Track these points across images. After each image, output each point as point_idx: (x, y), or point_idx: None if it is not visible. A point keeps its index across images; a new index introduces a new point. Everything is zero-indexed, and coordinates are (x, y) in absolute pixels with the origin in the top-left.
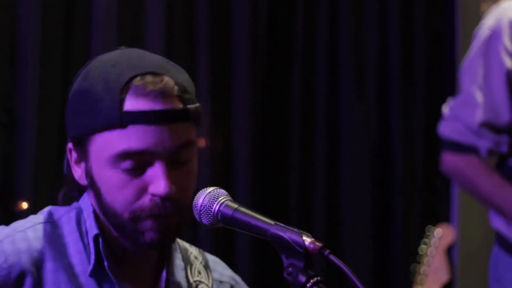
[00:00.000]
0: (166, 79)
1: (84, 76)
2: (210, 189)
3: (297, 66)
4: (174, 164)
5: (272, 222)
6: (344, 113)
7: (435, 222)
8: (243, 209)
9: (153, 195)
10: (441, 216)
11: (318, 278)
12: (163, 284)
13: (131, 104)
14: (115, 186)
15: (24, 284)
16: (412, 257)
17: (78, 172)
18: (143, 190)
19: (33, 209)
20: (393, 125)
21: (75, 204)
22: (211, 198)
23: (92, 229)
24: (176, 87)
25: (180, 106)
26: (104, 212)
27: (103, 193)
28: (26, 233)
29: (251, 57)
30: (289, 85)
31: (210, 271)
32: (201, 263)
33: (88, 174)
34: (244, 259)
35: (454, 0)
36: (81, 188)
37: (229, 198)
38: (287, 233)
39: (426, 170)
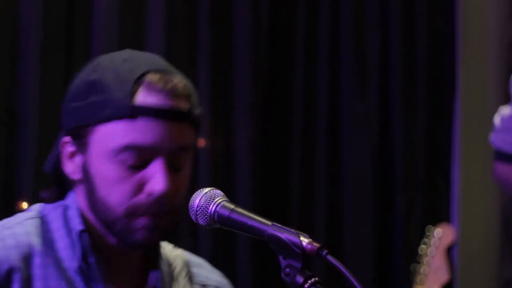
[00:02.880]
0: (177, 79)
1: (92, 69)
2: (206, 189)
3: (298, 66)
4: (172, 167)
5: (269, 223)
6: (345, 112)
7: (436, 222)
8: (240, 210)
9: (150, 193)
10: (442, 216)
11: (316, 278)
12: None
13: (143, 97)
14: (113, 180)
15: (12, 280)
16: (413, 257)
17: (70, 167)
18: (140, 187)
19: None
20: (394, 125)
21: (61, 202)
22: (208, 199)
23: (76, 225)
24: (185, 89)
25: (188, 107)
26: (95, 207)
27: (97, 187)
28: (14, 229)
29: (252, 57)
30: (290, 85)
31: (192, 276)
32: (185, 277)
33: (84, 167)
34: (244, 259)
35: (455, 0)
36: (64, 187)
37: (226, 198)
38: (285, 234)
39: (427, 170)
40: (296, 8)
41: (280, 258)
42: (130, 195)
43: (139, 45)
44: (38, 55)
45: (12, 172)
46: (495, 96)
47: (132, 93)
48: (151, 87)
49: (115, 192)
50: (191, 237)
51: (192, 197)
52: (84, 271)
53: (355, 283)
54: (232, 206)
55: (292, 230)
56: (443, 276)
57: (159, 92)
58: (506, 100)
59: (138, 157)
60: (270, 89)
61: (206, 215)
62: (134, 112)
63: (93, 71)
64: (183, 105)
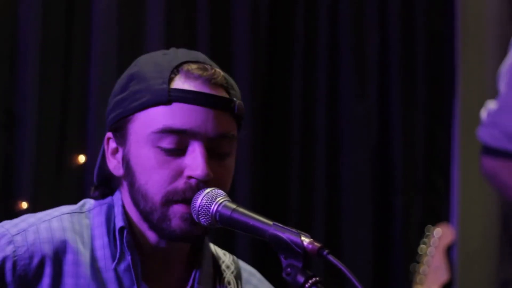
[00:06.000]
0: (216, 70)
1: (133, 64)
2: (208, 189)
3: (297, 66)
4: (213, 154)
5: (271, 223)
6: (344, 112)
7: (436, 222)
8: (241, 210)
9: (189, 177)
10: (441, 215)
11: (317, 278)
12: None
13: (179, 84)
14: (152, 166)
15: (43, 273)
16: (413, 257)
17: (113, 163)
18: (179, 172)
19: (33, 209)
20: (394, 125)
21: (108, 199)
22: (209, 199)
23: (118, 222)
24: (223, 79)
25: (226, 95)
26: (135, 199)
27: (138, 175)
28: (50, 223)
29: (252, 57)
30: (290, 85)
31: (241, 283)
32: (232, 273)
33: (125, 159)
34: (244, 259)
35: (454, 0)
36: (111, 187)
37: (227, 198)
38: (286, 234)
39: (427, 170)
40: (296, 8)
41: (281, 257)
42: (169, 180)
43: (138, 46)
44: (37, 56)
45: (11, 172)
46: (494, 97)
47: (170, 80)
48: (188, 75)
49: (154, 178)
50: None
51: (194, 197)
52: (120, 270)
53: (356, 283)
54: (233, 206)
55: (293, 230)
56: (443, 276)
57: (196, 79)
58: None
59: (176, 142)
60: (270, 89)
61: (208, 214)
62: (170, 98)
63: (133, 66)
64: (221, 93)
